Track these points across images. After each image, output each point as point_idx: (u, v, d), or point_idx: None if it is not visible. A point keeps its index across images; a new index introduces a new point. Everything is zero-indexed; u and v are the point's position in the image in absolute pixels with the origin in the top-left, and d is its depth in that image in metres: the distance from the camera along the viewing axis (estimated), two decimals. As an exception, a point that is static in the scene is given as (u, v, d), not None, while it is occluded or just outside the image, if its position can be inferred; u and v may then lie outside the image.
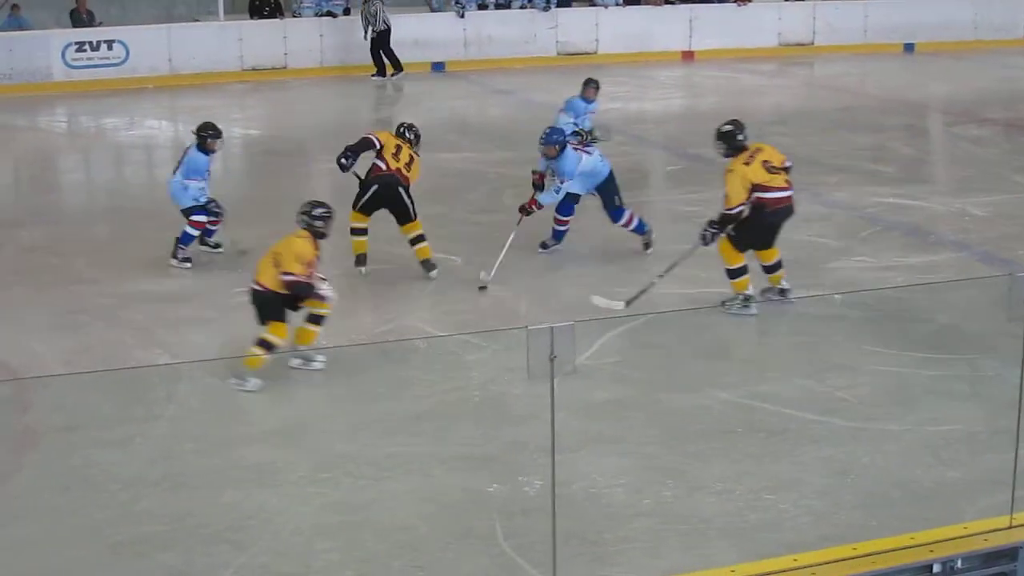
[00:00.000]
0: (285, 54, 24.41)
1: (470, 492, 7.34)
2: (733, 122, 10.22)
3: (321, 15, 24.98)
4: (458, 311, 10.69)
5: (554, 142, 11.40)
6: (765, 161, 9.95)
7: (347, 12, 25.14)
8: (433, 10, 25.83)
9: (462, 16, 25.30)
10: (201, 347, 9.74)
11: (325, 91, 23.25)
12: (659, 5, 26.84)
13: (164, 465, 7.74)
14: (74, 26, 24.11)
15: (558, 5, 26.16)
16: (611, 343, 9.49)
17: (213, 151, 11.77)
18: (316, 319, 9.01)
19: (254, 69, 24.11)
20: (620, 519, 6.96)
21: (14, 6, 24.13)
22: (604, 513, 7.01)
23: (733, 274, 10.18)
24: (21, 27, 23.83)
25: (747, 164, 9.91)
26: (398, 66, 23.99)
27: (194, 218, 11.66)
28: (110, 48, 23.18)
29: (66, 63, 23.24)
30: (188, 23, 25.19)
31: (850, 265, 11.70)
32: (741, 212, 9.87)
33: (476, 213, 13.78)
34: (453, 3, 25.47)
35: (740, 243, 10.07)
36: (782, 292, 10.36)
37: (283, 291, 8.77)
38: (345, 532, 6.90)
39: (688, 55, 26.54)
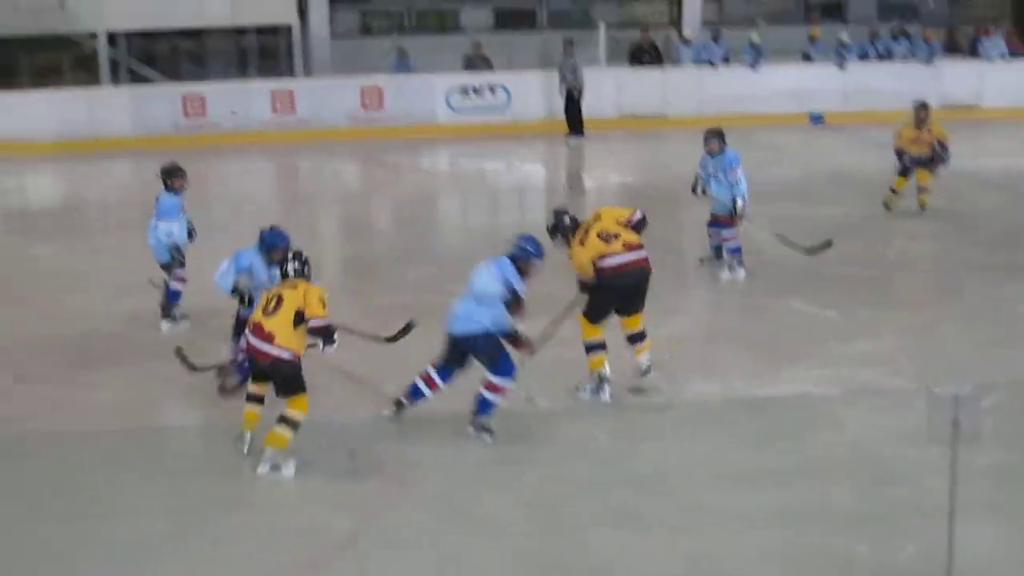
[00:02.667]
0: (663, 102, 24.45)
1: (835, 551, 7.14)
2: (556, 211, 9.94)
3: (700, 64, 24.95)
4: (832, 365, 10.38)
5: None
6: (600, 232, 9.64)
7: (727, 60, 25.01)
8: (809, 60, 25.38)
9: (842, 67, 24.81)
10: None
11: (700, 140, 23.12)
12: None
13: (536, 506, 7.78)
14: (465, 69, 24.85)
15: (941, 56, 25.37)
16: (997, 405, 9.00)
17: (180, 190, 11.52)
18: (291, 423, 8.38)
19: (632, 116, 24.24)
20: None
21: (400, 50, 25.14)
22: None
23: (587, 349, 9.71)
24: (408, 71, 24.78)
25: (582, 244, 9.67)
26: (579, 129, 23.17)
27: (179, 272, 11.55)
28: (493, 93, 23.78)
29: (450, 106, 24.02)
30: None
31: None
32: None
33: (850, 266, 13.38)
34: (834, 55, 25.00)
35: (590, 314, 9.67)
36: (601, 381, 9.68)
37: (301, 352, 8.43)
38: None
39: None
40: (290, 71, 26.69)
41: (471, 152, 22.46)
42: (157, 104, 24.28)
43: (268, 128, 23.87)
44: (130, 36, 27.91)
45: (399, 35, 27.29)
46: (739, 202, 12.56)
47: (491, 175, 21.15)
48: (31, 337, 11.52)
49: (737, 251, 12.89)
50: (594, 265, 9.57)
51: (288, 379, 8.36)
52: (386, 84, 24.35)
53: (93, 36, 26.83)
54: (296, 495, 8.05)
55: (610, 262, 9.58)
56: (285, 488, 8.12)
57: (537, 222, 15.13)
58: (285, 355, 8.29)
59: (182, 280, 11.61)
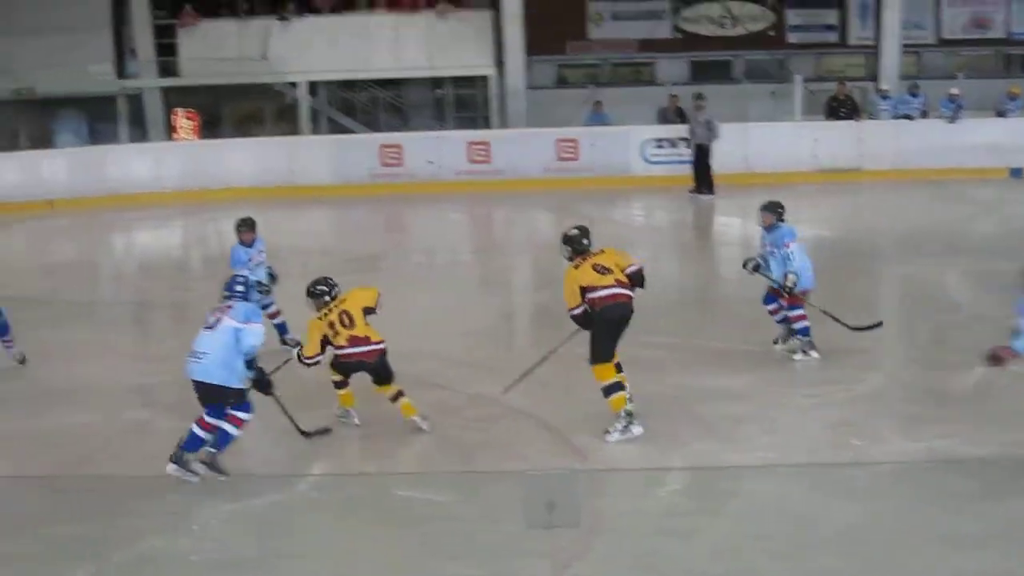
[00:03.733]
0: (860, 155, 24.01)
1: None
2: (579, 227, 10.02)
3: (898, 117, 24.46)
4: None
5: None
6: (596, 264, 9.70)
7: (924, 115, 24.45)
8: (1000, 115, 24.57)
9: (1042, 123, 24.08)
10: (765, 445, 9.55)
11: (900, 195, 22.64)
12: None
13: (728, 561, 7.58)
14: (659, 123, 24.77)
15: None
16: None
17: (246, 243, 12.44)
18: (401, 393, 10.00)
19: (828, 170, 23.84)
20: None
21: (597, 102, 25.22)
22: None
23: (605, 393, 9.60)
24: (603, 123, 24.82)
25: (576, 268, 9.76)
26: (709, 187, 22.76)
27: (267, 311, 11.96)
28: (688, 145, 23.66)
29: (644, 159, 23.96)
30: (765, 123, 25.28)
31: None
32: (582, 312, 9.71)
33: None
34: (1030, 110, 24.31)
35: (596, 355, 9.60)
36: (629, 418, 9.51)
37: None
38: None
39: None
40: (486, 121, 26.96)
41: (664, 204, 22.35)
42: (355, 153, 24.76)
43: (463, 178, 24.11)
44: (330, 86, 28.58)
45: (595, 86, 27.37)
46: (790, 276, 11.30)
47: (684, 227, 20.99)
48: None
49: (805, 332, 11.59)
50: (583, 295, 9.64)
51: (387, 365, 9.88)
52: (581, 135, 24.41)
53: (294, 86, 27.50)
54: (495, 543, 7.97)
55: (601, 293, 9.61)
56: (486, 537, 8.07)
57: (729, 274, 15.10)
58: (383, 345, 9.85)
59: (273, 316, 12.36)
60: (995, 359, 8.92)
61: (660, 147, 24.09)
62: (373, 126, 28.20)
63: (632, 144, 24.12)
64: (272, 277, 12.51)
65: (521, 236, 21.39)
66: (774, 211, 11.68)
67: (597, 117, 25.00)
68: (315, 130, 27.78)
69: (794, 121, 25.05)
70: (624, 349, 9.81)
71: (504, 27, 26.44)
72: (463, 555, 7.75)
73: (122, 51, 28.67)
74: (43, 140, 28.68)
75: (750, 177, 23.07)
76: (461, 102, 29.13)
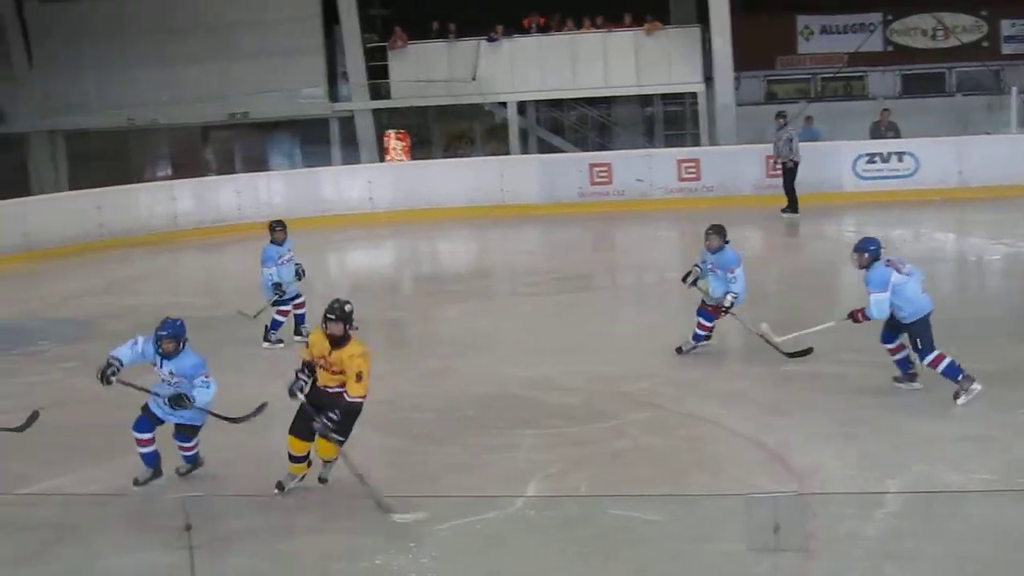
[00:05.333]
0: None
1: None
2: None
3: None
4: None
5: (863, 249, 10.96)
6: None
7: None
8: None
9: None
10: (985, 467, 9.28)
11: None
12: None
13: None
14: (872, 138, 24.32)
15: None
16: None
17: (278, 242, 14.31)
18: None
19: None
20: None
21: (808, 117, 24.89)
22: None
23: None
24: (814, 138, 24.45)
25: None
26: (793, 206, 22.24)
27: (281, 307, 14.23)
28: (900, 160, 23.16)
29: (856, 174, 23.53)
30: (980, 136, 24.60)
31: None
32: None
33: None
34: None
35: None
36: None
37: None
38: None
39: None
40: (695, 138, 26.84)
41: (877, 220, 21.89)
42: (564, 171, 24.89)
43: (673, 195, 24.02)
44: (538, 105, 28.78)
45: (805, 101, 27.03)
46: (728, 297, 12.42)
47: (898, 243, 20.52)
48: (435, 398, 11.84)
49: (697, 339, 12.83)
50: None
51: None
52: (792, 152, 24.08)
53: (503, 106, 27.76)
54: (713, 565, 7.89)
55: None
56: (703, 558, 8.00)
57: (947, 291, 14.72)
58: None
59: (284, 313, 14.32)
60: (853, 317, 10.96)
61: (872, 162, 23.63)
62: (582, 145, 28.32)
63: (844, 159, 23.70)
64: (299, 274, 14.40)
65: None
66: (721, 235, 12.63)
67: (808, 132, 24.65)
68: (524, 149, 28.01)
69: (1011, 134, 24.29)
70: (826, 368, 9.62)
71: (712, 43, 26.22)
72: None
73: (334, 74, 29.37)
74: (258, 163, 29.52)
75: (965, 192, 22.51)
76: (670, 119, 29.06)
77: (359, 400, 9.00)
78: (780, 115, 22.96)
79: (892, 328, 11.01)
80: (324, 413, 8.97)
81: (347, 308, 9.01)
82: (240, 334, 14.56)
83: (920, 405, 10.75)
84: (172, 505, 7.96)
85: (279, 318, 14.35)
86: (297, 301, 14.46)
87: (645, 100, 29.09)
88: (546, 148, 28.32)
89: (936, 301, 10.94)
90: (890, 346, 11.16)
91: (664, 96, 28.72)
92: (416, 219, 23.96)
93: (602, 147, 27.72)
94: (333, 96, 29.20)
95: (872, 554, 7.94)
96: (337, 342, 9.02)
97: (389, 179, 25.88)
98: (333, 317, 8.95)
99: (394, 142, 27.99)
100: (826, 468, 9.33)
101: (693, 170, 23.99)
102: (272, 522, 8.99)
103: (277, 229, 14.53)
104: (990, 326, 13.19)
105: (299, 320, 14.48)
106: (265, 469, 9.53)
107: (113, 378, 9.35)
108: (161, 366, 9.47)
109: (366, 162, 27.70)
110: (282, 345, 14.19)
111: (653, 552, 8.06)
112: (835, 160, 23.69)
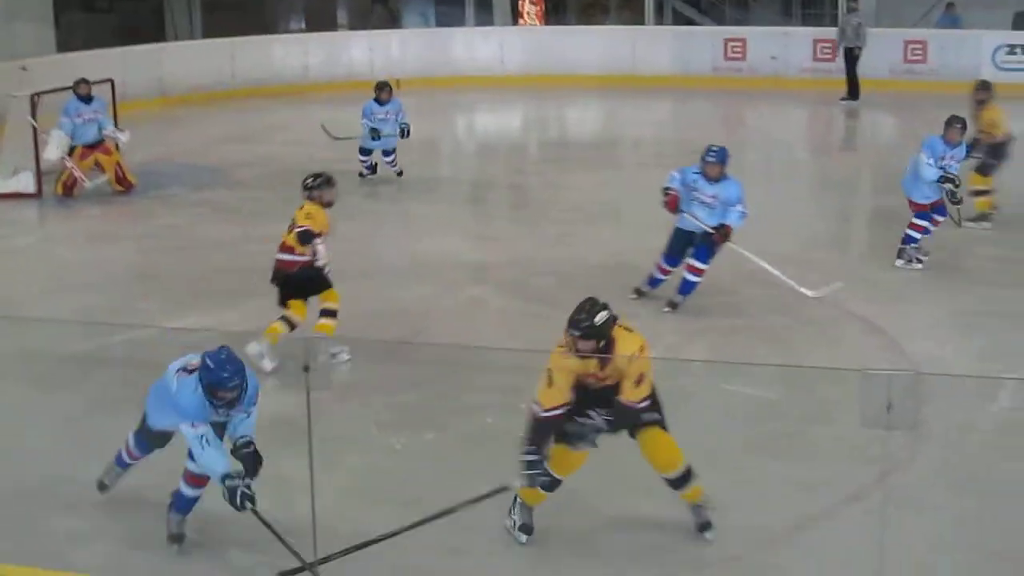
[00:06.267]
0: None
1: None
2: None
3: None
4: None
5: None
6: None
7: None
8: None
9: None
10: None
11: None
12: None
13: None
14: (1015, 28, 23.63)
15: None
16: None
17: (381, 101, 15.29)
18: (329, 312, 9.19)
19: None
20: None
21: (950, 4, 24.23)
22: None
23: None
24: (955, 25, 23.83)
25: None
26: (853, 93, 21.87)
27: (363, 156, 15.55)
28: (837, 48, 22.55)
29: (995, 64, 22.90)
30: None
31: None
32: None
33: None
34: None
35: None
36: None
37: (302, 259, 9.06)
38: None
39: None
40: (834, 20, 26.27)
41: (1017, 113, 21.34)
42: (699, 45, 24.59)
43: (807, 75, 23.61)
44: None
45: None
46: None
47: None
48: (555, 262, 11.86)
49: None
50: None
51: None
52: (930, 37, 23.52)
53: (641, -26, 27.42)
54: (823, 443, 7.90)
55: None
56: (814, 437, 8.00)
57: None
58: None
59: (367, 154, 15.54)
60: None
61: (1013, 54, 22.96)
62: (718, 19, 27.90)
63: (984, 50, 23.02)
64: (403, 132, 15.24)
65: (865, 137, 20.91)
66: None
67: (948, 19, 24.02)
68: (659, 21, 27.65)
69: None
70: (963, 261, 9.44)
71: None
72: (788, 454, 7.74)
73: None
74: (392, 21, 29.49)
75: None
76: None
77: None
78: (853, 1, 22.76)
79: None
80: None
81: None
82: (362, 189, 14.80)
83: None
84: (294, 345, 8.13)
85: (363, 157, 15.53)
86: (387, 159, 15.54)
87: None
88: (681, 20, 27.94)
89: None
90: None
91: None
92: (547, 84, 23.84)
93: (739, 23, 27.28)
94: (469, -44, 29.04)
95: (986, 446, 7.90)
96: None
97: (522, 43, 25.73)
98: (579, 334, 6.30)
99: (528, 6, 27.80)
100: (944, 359, 9.24)
101: (829, 51, 23.46)
102: (391, 374, 9.12)
103: (381, 90, 15.41)
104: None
105: (389, 163, 15.58)
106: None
107: None
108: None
109: (499, 25, 27.57)
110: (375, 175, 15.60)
111: (766, 429, 8.10)
112: (975, 50, 23.03)
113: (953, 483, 7.34)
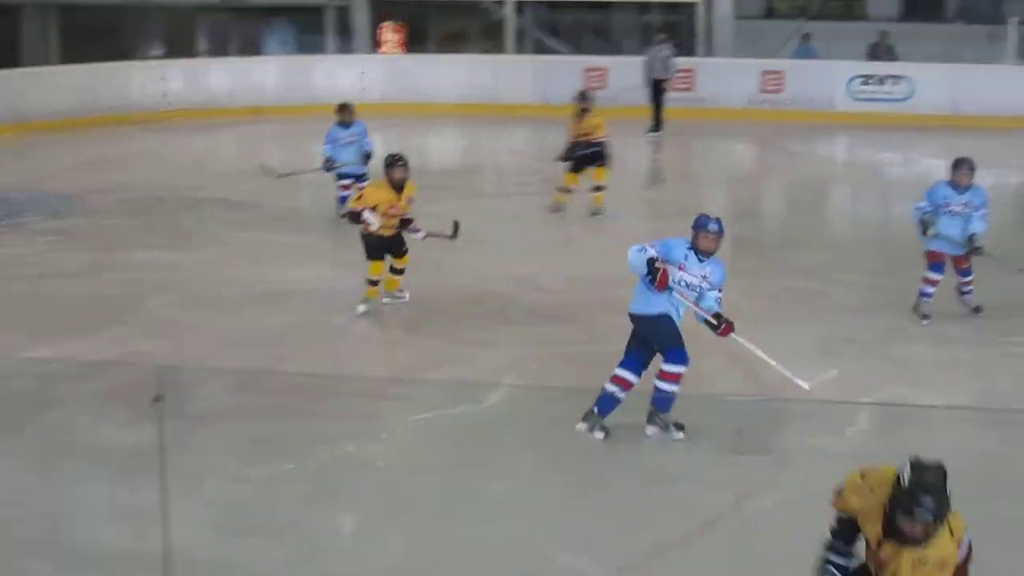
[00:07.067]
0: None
1: None
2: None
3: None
4: None
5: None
6: None
7: None
8: None
9: None
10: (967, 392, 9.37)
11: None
12: None
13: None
14: (868, 59, 24.22)
15: None
16: None
17: (343, 123, 14.85)
18: (396, 271, 11.25)
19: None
20: None
21: (806, 35, 24.76)
22: None
23: None
24: (811, 56, 24.37)
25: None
26: (657, 125, 22.33)
27: (340, 182, 14.79)
28: (895, 83, 23.09)
29: (850, 94, 23.46)
30: (975, 64, 24.45)
31: None
32: None
33: None
34: None
35: None
36: None
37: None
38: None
39: None
40: (691, 49, 26.68)
41: (868, 142, 21.87)
42: (559, 74, 24.67)
43: (668, 105, 23.87)
44: (537, 6, 28.58)
45: (804, 18, 26.87)
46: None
47: (888, 167, 20.53)
48: (420, 293, 11.84)
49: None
50: None
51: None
52: (788, 68, 24.01)
53: (501, 4, 27.58)
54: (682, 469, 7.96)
55: None
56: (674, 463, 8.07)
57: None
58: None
59: (346, 188, 14.60)
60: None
61: (866, 84, 23.56)
62: (578, 48, 28.16)
63: (839, 79, 23.61)
64: (367, 156, 14.78)
65: (719, 166, 21.21)
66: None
67: (805, 50, 24.56)
68: (519, 50, 27.83)
69: (1007, 66, 24.18)
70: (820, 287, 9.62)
71: (714, -46, 26.06)
72: (632, 476, 7.80)
73: (331, -38, 29.09)
74: (252, 48, 29.29)
75: (957, 120, 22.40)
76: (668, 29, 28.85)
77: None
78: (659, 31, 23.39)
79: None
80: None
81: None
82: (225, 217, 14.62)
83: (910, 329, 10.88)
84: (147, 375, 8.02)
85: (343, 193, 14.61)
86: (360, 184, 14.24)
87: (644, 7, 28.87)
88: (541, 50, 28.14)
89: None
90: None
91: (663, 4, 28.49)
92: (408, 112, 23.82)
93: (599, 52, 27.54)
94: (330, -16, 28.95)
95: (839, 469, 8.00)
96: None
97: (383, 71, 25.72)
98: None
99: (389, 34, 27.81)
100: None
101: (687, 81, 23.82)
102: (245, 402, 9.05)
103: (343, 111, 14.99)
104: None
105: (340, 201, 14.70)
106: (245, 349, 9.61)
107: None
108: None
109: (360, 53, 27.54)
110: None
111: (624, 453, 8.14)
112: (829, 80, 23.61)
113: (811, 508, 7.43)
